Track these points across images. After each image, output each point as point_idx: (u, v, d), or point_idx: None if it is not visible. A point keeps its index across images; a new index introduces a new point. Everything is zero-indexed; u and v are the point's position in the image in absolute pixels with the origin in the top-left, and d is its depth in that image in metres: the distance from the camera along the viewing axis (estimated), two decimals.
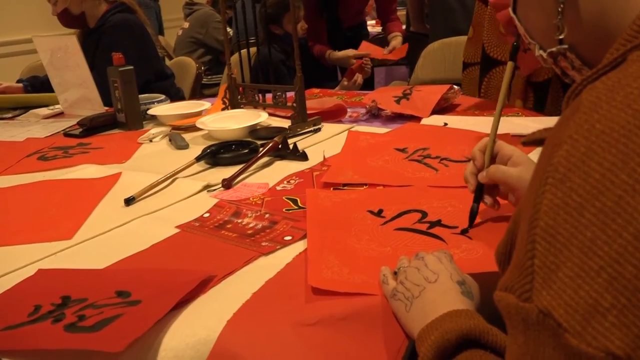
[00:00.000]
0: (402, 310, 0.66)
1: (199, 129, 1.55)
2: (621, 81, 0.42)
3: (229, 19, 3.66)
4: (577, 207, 0.39)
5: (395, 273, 0.73)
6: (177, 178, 1.20)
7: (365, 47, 2.77)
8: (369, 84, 3.01)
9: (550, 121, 1.50)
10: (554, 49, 0.62)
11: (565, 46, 0.60)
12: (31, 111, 2.08)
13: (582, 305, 0.38)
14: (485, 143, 0.88)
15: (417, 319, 0.63)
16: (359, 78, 2.48)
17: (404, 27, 3.21)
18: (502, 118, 1.33)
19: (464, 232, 0.86)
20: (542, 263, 0.40)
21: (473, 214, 0.87)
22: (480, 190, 0.88)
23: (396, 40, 2.79)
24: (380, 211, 0.95)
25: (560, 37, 0.59)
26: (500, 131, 1.34)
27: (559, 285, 0.39)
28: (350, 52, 2.69)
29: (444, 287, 0.65)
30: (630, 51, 0.46)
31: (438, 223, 0.90)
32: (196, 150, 1.36)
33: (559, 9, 0.58)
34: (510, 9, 0.68)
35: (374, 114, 1.67)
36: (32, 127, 1.85)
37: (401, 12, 4.35)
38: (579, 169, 0.40)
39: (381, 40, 3.25)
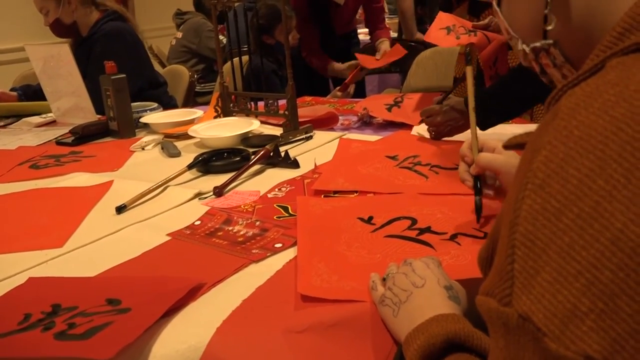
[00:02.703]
0: (390, 316, 0.66)
1: (191, 137, 1.55)
2: (599, 88, 0.43)
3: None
4: (556, 212, 0.40)
5: (384, 279, 0.74)
6: (168, 186, 1.21)
7: (363, 59, 2.78)
8: (360, 92, 3.02)
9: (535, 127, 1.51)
10: (537, 44, 0.62)
11: (550, 41, 0.60)
12: (23, 119, 2.08)
13: (560, 309, 0.38)
14: (470, 142, 0.93)
15: (404, 324, 0.63)
16: (351, 89, 2.49)
17: (395, 35, 3.23)
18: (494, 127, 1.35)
19: (478, 220, 0.91)
20: (522, 268, 0.41)
21: (478, 207, 0.91)
22: (478, 184, 0.91)
23: (384, 44, 2.81)
24: (371, 218, 0.96)
25: (549, 27, 0.59)
26: (489, 139, 1.36)
27: (538, 290, 0.39)
28: (353, 64, 2.70)
29: (431, 291, 0.66)
30: (609, 58, 0.46)
31: (427, 230, 0.90)
32: (188, 158, 1.36)
33: (548, 1, 0.58)
34: (494, 3, 0.68)
35: (366, 122, 1.68)
36: (24, 136, 1.84)
37: (393, 21, 4.39)
38: (557, 175, 0.41)
39: (372, 49, 3.27)
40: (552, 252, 0.39)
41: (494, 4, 0.67)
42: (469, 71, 0.96)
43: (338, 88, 2.43)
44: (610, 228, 0.38)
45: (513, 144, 0.63)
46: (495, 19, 1.57)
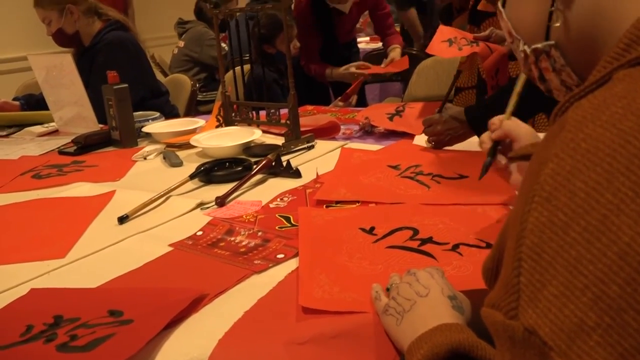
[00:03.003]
0: (393, 325, 0.66)
1: (193, 147, 1.55)
2: (606, 100, 0.43)
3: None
4: (563, 225, 0.40)
5: (387, 290, 0.74)
6: (170, 196, 1.21)
7: (364, 67, 2.79)
8: (362, 101, 3.03)
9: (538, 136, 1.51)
10: (539, 45, 0.62)
11: (552, 42, 0.60)
12: (26, 129, 2.08)
13: (567, 324, 0.38)
14: (500, 119, 0.94)
15: (407, 333, 0.63)
16: (353, 100, 2.50)
17: None
18: None
19: (480, 177, 0.93)
20: (528, 281, 0.40)
21: (486, 167, 0.93)
22: (494, 148, 0.93)
23: (394, 52, 2.81)
24: (372, 229, 0.96)
25: (556, 24, 0.59)
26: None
27: (545, 303, 0.39)
28: (351, 66, 2.70)
29: (435, 301, 0.66)
30: (616, 70, 0.46)
31: (429, 240, 0.90)
32: (190, 167, 1.36)
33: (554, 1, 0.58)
34: (499, 3, 0.68)
35: (367, 131, 1.68)
36: (27, 145, 1.85)
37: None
38: (564, 188, 0.40)
39: (375, 57, 3.28)
40: (559, 265, 0.39)
41: (499, 4, 0.67)
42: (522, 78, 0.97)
43: (340, 98, 2.44)
44: (618, 242, 0.37)
45: (519, 156, 0.63)
46: (495, 31, 1.57)
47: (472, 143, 1.38)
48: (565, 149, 0.42)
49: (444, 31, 1.56)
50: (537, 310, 0.39)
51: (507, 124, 0.92)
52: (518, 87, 0.94)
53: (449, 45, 1.51)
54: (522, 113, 1.00)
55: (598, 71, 0.48)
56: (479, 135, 1.33)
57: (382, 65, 2.73)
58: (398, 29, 4.24)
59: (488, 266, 0.53)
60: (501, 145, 0.94)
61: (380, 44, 3.86)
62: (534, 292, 0.40)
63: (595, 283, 0.38)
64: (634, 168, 0.38)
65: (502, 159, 0.93)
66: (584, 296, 0.38)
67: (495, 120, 0.95)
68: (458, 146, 1.40)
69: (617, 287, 0.37)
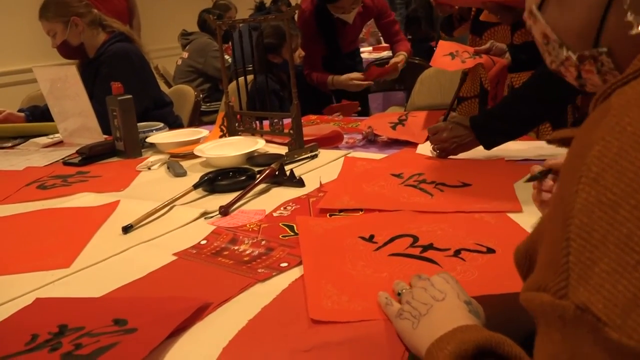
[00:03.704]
0: (409, 328, 0.66)
1: (197, 157, 1.56)
2: None
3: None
4: (612, 204, 0.40)
5: (398, 295, 0.74)
6: (174, 205, 1.21)
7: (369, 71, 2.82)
8: (365, 110, 3.04)
9: (543, 144, 1.51)
10: (586, 52, 0.61)
11: (605, 49, 0.59)
12: (31, 140, 2.10)
13: (620, 299, 0.38)
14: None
15: (424, 336, 0.63)
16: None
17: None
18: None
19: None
20: (578, 260, 0.41)
21: (534, 178, 0.91)
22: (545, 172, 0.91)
23: (397, 57, 2.83)
24: (372, 237, 0.96)
25: (636, 31, 0.56)
26: (495, 156, 1.37)
27: (596, 280, 0.39)
28: (353, 75, 2.73)
29: (452, 305, 0.66)
30: None
31: (430, 247, 0.91)
32: (194, 177, 1.37)
33: (608, 4, 0.57)
34: (534, 6, 0.66)
35: (370, 140, 1.69)
36: (32, 156, 1.86)
37: None
38: (612, 169, 0.41)
39: (378, 66, 3.29)
40: (610, 243, 0.39)
41: (534, 7, 0.66)
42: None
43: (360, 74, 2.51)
44: None
45: (557, 139, 0.62)
46: (495, 44, 1.58)
47: (475, 152, 1.39)
48: (611, 132, 0.43)
49: (444, 46, 1.57)
50: (589, 287, 0.39)
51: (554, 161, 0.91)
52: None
53: (451, 58, 1.52)
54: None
55: (639, 60, 0.49)
56: (483, 144, 1.33)
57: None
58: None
59: (521, 251, 0.52)
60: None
61: (382, 54, 3.89)
62: (584, 270, 0.40)
63: None
64: None
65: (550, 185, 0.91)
66: (636, 272, 0.38)
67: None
68: (462, 155, 1.40)
69: None
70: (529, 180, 0.93)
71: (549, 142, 0.85)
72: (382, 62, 3.19)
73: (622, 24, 0.57)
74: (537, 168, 0.93)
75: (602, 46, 0.59)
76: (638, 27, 0.57)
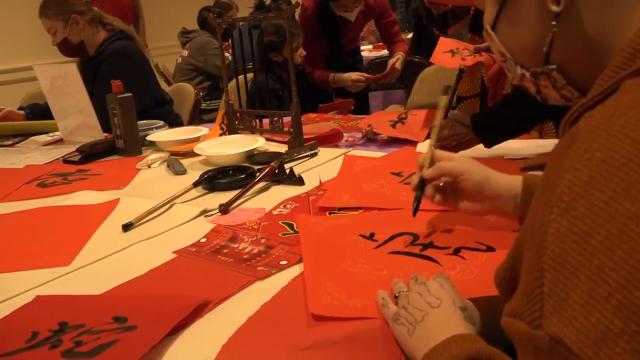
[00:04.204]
0: (405, 335, 0.66)
1: (197, 155, 1.56)
2: (617, 110, 0.43)
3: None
4: (584, 235, 0.40)
5: (395, 297, 0.74)
6: (174, 203, 1.21)
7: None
8: (365, 108, 3.04)
9: (542, 143, 1.51)
10: (538, 69, 0.62)
11: (554, 66, 0.60)
12: (31, 138, 2.10)
13: (592, 331, 0.38)
14: (426, 156, 0.96)
15: (420, 343, 0.63)
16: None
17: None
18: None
19: (414, 214, 0.93)
20: (552, 290, 0.41)
21: (417, 201, 0.94)
22: (422, 183, 0.94)
23: (394, 58, 2.84)
24: (372, 235, 0.96)
25: (555, 55, 0.59)
26: (493, 154, 1.37)
27: (570, 312, 0.39)
28: (353, 74, 2.73)
29: (447, 312, 0.66)
30: (623, 79, 0.47)
31: (430, 245, 0.91)
32: (194, 175, 1.37)
33: (552, 24, 0.57)
34: (488, 27, 0.67)
35: (370, 138, 1.69)
36: (32, 154, 1.86)
37: (404, 36, 4.42)
38: (582, 198, 0.41)
39: (378, 65, 3.30)
40: (582, 274, 0.40)
41: (488, 27, 0.67)
42: (443, 100, 1.02)
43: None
44: (639, 249, 0.38)
45: (532, 166, 0.63)
46: None
47: (475, 150, 1.39)
48: (580, 160, 0.42)
49: (445, 42, 1.57)
50: (562, 319, 0.40)
51: (443, 164, 0.92)
52: (437, 120, 0.98)
53: (452, 55, 1.52)
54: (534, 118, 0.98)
55: (604, 80, 0.49)
56: (483, 142, 1.33)
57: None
58: (409, 35, 4.27)
59: (502, 275, 0.53)
60: (442, 183, 0.94)
61: (383, 52, 3.89)
62: (558, 302, 0.40)
63: (619, 290, 0.38)
64: None
65: (428, 190, 0.93)
66: (608, 303, 0.38)
67: (420, 159, 0.96)
68: (462, 153, 1.40)
69: None
70: (416, 208, 0.94)
71: (523, 169, 0.86)
72: (381, 61, 3.20)
73: (567, 41, 0.58)
74: (415, 179, 0.95)
75: (552, 63, 0.60)
76: (558, 51, 0.59)
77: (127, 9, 4.27)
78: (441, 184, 0.93)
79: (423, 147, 1.52)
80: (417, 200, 0.94)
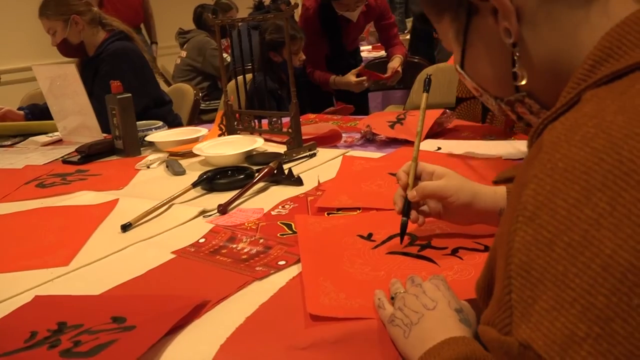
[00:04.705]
0: (401, 336, 0.66)
1: (196, 155, 1.57)
2: (578, 121, 0.45)
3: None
4: (548, 242, 0.42)
5: (392, 298, 0.74)
6: (173, 204, 1.22)
7: (365, 73, 2.83)
8: (364, 109, 3.04)
9: None
10: (511, 98, 0.65)
11: (524, 93, 0.63)
12: (30, 138, 2.10)
13: (559, 336, 0.39)
14: (409, 165, 0.93)
15: (415, 346, 0.63)
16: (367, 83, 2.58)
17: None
18: (496, 142, 1.36)
19: (401, 242, 0.91)
20: (519, 297, 0.42)
21: (404, 228, 0.91)
22: (407, 207, 0.91)
23: (393, 61, 2.84)
24: (370, 235, 0.97)
25: (522, 83, 0.62)
26: (492, 154, 1.37)
27: (537, 318, 0.41)
28: (353, 76, 2.73)
29: (443, 314, 0.66)
30: (584, 90, 0.49)
31: (428, 245, 0.91)
32: (193, 176, 1.37)
33: (515, 58, 0.61)
34: (457, 66, 0.70)
35: (369, 139, 1.69)
36: (31, 155, 1.86)
37: (403, 37, 4.43)
38: (546, 207, 0.42)
39: (376, 65, 3.30)
40: (547, 280, 0.41)
41: (457, 67, 0.70)
42: (424, 98, 1.01)
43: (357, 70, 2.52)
44: (601, 255, 0.39)
45: (502, 179, 0.66)
46: None
47: (474, 150, 1.39)
48: (543, 170, 0.44)
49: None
50: (530, 324, 0.41)
51: (425, 187, 0.89)
52: (419, 127, 0.97)
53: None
54: None
55: (567, 92, 0.51)
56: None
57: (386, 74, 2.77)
58: (408, 36, 4.27)
59: (481, 285, 0.54)
60: (427, 208, 0.92)
61: (382, 53, 3.89)
62: (526, 308, 0.42)
63: (583, 295, 0.39)
64: (609, 183, 0.40)
65: (412, 214, 0.90)
66: (572, 308, 0.39)
67: (401, 174, 0.93)
68: (465, 151, 1.40)
69: (604, 298, 0.39)
70: (403, 237, 0.91)
71: (495, 182, 0.87)
72: (380, 62, 3.20)
73: (529, 68, 0.61)
74: (399, 202, 0.92)
75: (521, 91, 0.63)
76: (523, 79, 0.62)
77: (138, 8, 4.29)
78: (427, 210, 0.92)
79: (421, 146, 1.52)
80: (404, 227, 0.90)
